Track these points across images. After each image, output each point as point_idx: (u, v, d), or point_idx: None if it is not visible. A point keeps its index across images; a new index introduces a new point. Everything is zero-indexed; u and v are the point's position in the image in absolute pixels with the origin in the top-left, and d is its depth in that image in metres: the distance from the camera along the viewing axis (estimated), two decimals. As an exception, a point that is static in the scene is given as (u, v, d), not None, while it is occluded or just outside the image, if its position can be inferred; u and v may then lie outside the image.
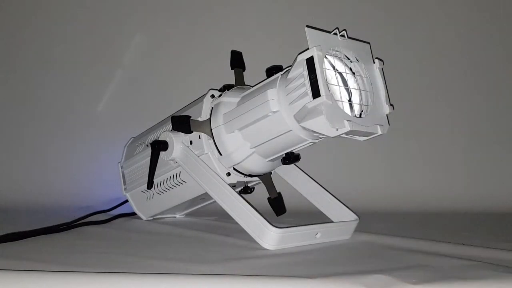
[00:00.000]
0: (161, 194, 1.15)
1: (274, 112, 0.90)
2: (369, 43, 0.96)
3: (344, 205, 1.05)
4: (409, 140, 1.66)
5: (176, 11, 1.67)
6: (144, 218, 1.24)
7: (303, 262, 0.81)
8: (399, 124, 1.51)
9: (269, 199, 1.09)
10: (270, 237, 0.89)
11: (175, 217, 1.29)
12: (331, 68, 0.90)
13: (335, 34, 0.90)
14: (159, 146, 1.06)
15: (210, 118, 1.02)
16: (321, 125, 0.83)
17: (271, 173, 1.09)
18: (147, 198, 1.19)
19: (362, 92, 0.92)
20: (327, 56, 0.89)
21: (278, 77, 0.93)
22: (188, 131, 1.03)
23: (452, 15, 1.70)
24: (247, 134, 0.96)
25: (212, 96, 1.05)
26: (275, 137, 0.93)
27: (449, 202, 1.56)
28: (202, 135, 1.02)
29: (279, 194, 1.09)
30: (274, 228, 0.88)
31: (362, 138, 0.91)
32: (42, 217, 1.24)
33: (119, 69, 1.67)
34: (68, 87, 1.66)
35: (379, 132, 0.89)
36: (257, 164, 1.00)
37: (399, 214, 1.46)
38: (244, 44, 1.39)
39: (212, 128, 1.01)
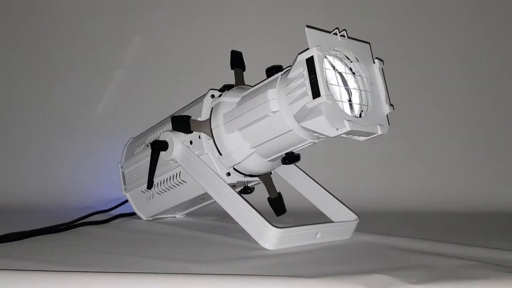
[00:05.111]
0: (161, 194, 1.15)
1: (274, 112, 0.90)
2: (369, 43, 0.96)
3: (344, 205, 1.05)
4: (409, 140, 1.66)
5: (176, 11, 1.67)
6: (144, 218, 1.24)
7: (303, 262, 0.81)
8: (399, 124, 1.51)
9: (269, 199, 1.09)
10: (270, 237, 0.89)
11: (175, 217, 1.29)
12: (331, 68, 0.90)
13: (335, 34, 0.90)
14: (159, 146, 1.06)
15: (210, 118, 1.02)
16: (321, 125, 0.83)
17: (271, 173, 1.09)
18: (147, 198, 1.19)
19: (362, 92, 0.92)
20: (327, 56, 0.89)
21: (278, 77, 0.93)
22: (188, 131, 1.03)
23: (451, 14, 1.70)
24: (247, 134, 0.96)
25: (212, 96, 1.05)
26: (275, 137, 0.93)
27: (449, 202, 1.56)
28: (202, 135, 1.02)
29: (279, 194, 1.09)
30: (274, 228, 0.88)
31: (362, 138, 0.92)
32: (42, 217, 1.24)
33: (119, 69, 1.67)
34: (68, 87, 1.66)
35: (379, 132, 0.89)
36: (257, 164, 1.00)
37: (399, 214, 1.46)
38: (244, 44, 1.39)
39: (212, 128, 1.01)
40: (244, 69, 1.11)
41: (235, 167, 1.01)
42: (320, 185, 1.09)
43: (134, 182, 1.22)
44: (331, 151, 1.58)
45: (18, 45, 1.67)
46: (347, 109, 0.88)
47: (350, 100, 0.90)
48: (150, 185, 1.11)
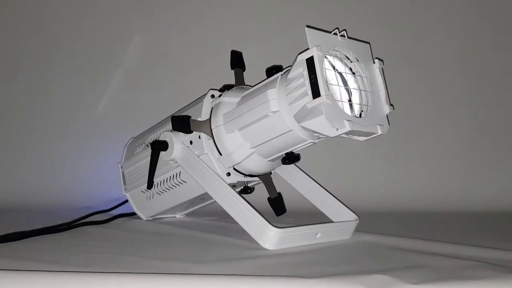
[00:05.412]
0: (161, 194, 1.15)
1: (274, 112, 0.90)
2: (369, 43, 0.96)
3: (344, 205, 1.05)
4: (409, 140, 1.66)
5: (176, 11, 1.67)
6: (144, 218, 1.24)
7: (303, 262, 0.81)
8: (399, 124, 1.51)
9: (269, 199, 1.09)
10: (270, 237, 0.89)
11: (175, 217, 1.29)
12: (331, 68, 0.90)
13: (335, 34, 0.90)
14: (159, 146, 1.06)
15: (210, 118, 1.02)
16: (321, 125, 0.83)
17: (271, 173, 1.09)
18: (147, 198, 1.19)
19: (362, 92, 0.92)
20: (327, 56, 0.89)
21: (278, 77, 0.93)
22: (188, 131, 1.03)
23: (451, 14, 1.70)
24: (247, 134, 0.96)
25: (212, 96, 1.05)
26: (275, 137, 0.93)
27: (449, 202, 1.56)
28: (202, 135, 1.02)
29: (279, 194, 1.09)
30: (274, 228, 0.88)
31: (362, 138, 0.92)
32: (42, 217, 1.24)
33: (119, 69, 1.67)
34: (68, 87, 1.66)
35: (379, 132, 0.89)
36: (257, 164, 1.00)
37: (399, 214, 1.46)
38: (244, 44, 1.39)
39: (212, 128, 1.01)
40: (244, 69, 1.11)
41: (235, 167, 1.01)
42: (320, 185, 1.09)
43: (134, 182, 1.22)
44: (331, 151, 1.58)
45: (18, 45, 1.67)
46: (347, 109, 0.88)
47: (350, 100, 0.90)
48: (150, 185, 1.11)
